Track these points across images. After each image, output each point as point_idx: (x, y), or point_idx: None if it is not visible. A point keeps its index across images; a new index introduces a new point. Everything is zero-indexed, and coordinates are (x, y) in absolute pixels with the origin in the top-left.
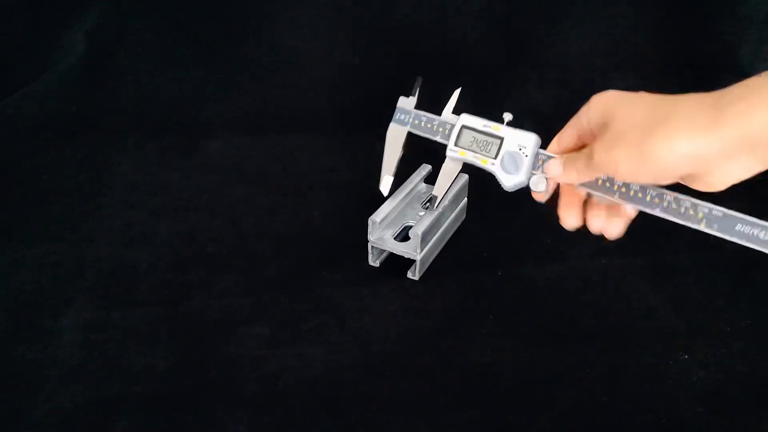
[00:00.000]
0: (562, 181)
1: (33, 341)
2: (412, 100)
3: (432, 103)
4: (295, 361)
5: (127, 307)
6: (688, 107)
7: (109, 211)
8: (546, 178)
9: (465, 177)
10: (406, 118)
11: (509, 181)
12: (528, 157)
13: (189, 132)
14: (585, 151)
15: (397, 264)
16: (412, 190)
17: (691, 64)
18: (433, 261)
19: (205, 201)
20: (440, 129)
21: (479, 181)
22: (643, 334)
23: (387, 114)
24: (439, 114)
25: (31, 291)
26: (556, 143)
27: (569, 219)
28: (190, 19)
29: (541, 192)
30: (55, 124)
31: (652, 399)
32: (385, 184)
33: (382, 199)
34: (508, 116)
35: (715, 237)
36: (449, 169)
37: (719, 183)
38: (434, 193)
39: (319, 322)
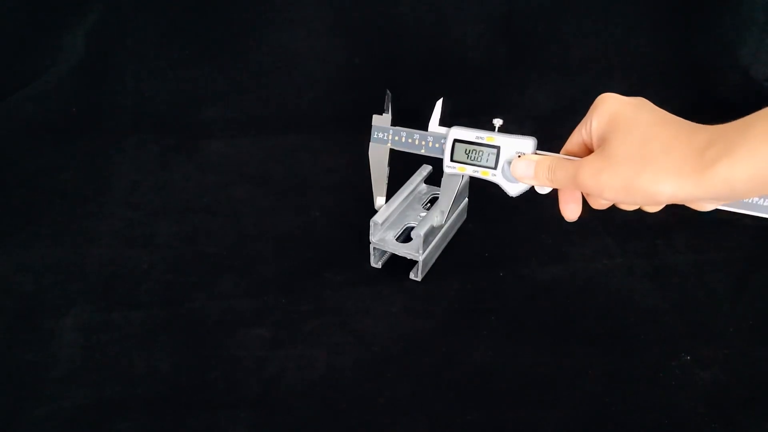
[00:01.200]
0: (531, 183)
1: (33, 343)
2: (386, 117)
3: (430, 103)
4: (297, 363)
5: (128, 308)
6: (678, 152)
7: (109, 211)
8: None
9: (466, 177)
10: (384, 135)
11: (513, 190)
12: None
13: (189, 132)
14: (571, 166)
15: (398, 265)
16: (413, 191)
17: (691, 64)
18: (435, 262)
19: (206, 201)
20: (423, 142)
21: (480, 181)
22: (645, 335)
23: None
24: (425, 124)
25: (31, 292)
26: (564, 151)
27: (570, 210)
28: (190, 19)
29: (546, 193)
30: (55, 124)
31: (654, 401)
32: (379, 204)
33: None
34: (498, 122)
35: (715, 237)
36: (450, 184)
37: (710, 209)
38: (439, 208)
39: (320, 323)
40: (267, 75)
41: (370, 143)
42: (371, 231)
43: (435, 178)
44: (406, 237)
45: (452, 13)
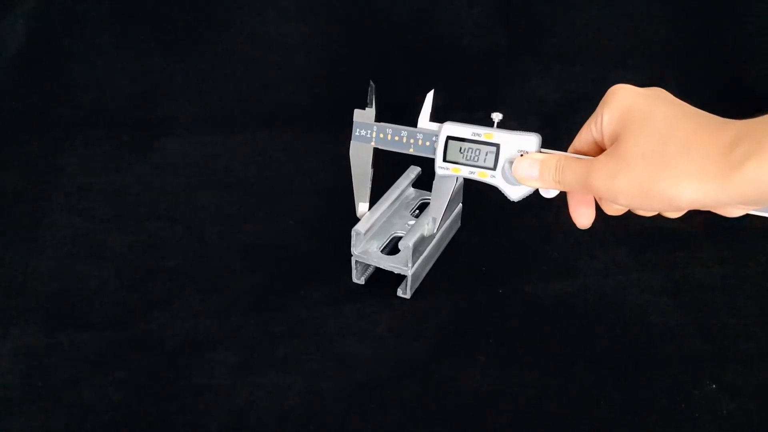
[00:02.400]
0: (535, 186)
1: None
2: (370, 112)
3: (420, 96)
4: (269, 391)
5: (76, 329)
6: (701, 150)
7: (55, 219)
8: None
9: (460, 179)
10: (368, 133)
11: (515, 193)
12: None
13: (146, 129)
14: (581, 166)
15: (384, 280)
16: (399, 195)
17: (715, 51)
18: (426, 276)
19: (165, 208)
20: (412, 140)
21: (477, 184)
22: (665, 359)
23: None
24: (415, 120)
25: None
26: (572, 149)
27: (582, 216)
28: (147, 1)
29: (552, 197)
30: None
31: None
32: (361, 211)
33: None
34: (497, 116)
35: (745, 248)
36: (443, 187)
37: (738, 214)
38: (431, 215)
39: (295, 346)
40: (235, 64)
41: (351, 142)
42: (353, 242)
43: (425, 181)
44: (392, 248)
45: None
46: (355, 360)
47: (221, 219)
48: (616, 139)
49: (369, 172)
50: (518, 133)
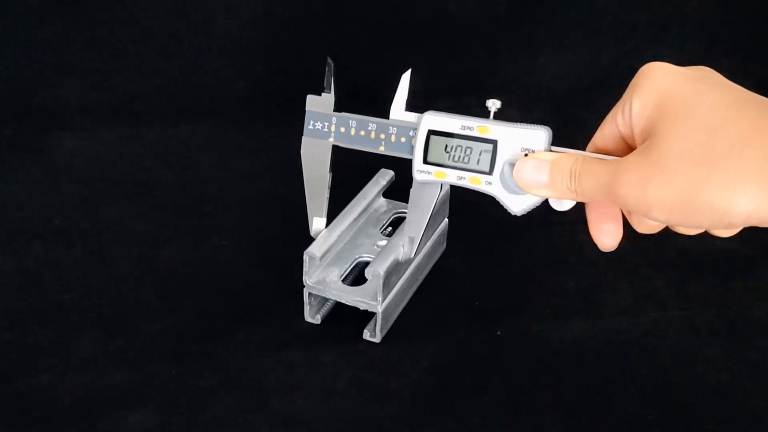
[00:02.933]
0: (544, 195)
1: None
2: (328, 98)
3: (393, 78)
4: None
5: None
6: (761, 150)
7: None
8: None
9: (446, 187)
10: (324, 126)
11: (518, 205)
12: None
13: (33, 121)
14: (604, 170)
15: (346, 319)
16: (366, 208)
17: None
18: (401, 314)
19: (57, 223)
20: (383, 136)
21: (467, 193)
22: (714, 422)
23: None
24: (386, 110)
25: None
26: (592, 147)
27: (605, 234)
28: None
29: (567, 209)
30: None
31: None
32: (317, 229)
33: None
34: (494, 104)
35: None
36: (423, 198)
37: None
38: (407, 233)
39: (228, 404)
40: (149, 37)
41: (303, 138)
42: (306, 269)
43: (400, 190)
44: (357, 277)
45: None
46: (308, 424)
47: (132, 239)
48: (649, 134)
49: (326, 177)
50: (521, 126)
